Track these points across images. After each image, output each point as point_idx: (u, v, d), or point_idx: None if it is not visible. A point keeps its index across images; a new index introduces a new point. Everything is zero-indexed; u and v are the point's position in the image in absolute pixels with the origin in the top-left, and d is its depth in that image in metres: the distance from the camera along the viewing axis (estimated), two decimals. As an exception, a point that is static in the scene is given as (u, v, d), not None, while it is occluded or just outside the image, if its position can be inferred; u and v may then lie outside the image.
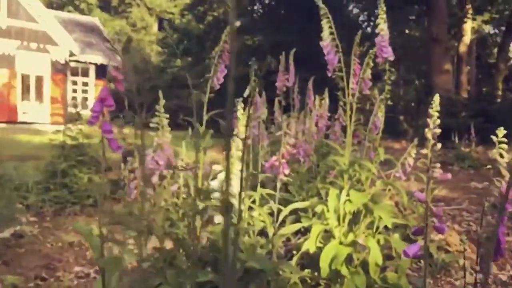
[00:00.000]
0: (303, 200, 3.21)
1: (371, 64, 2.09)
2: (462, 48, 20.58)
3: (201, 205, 1.87)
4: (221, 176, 1.61)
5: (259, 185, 2.24)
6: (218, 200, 1.63)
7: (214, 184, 1.62)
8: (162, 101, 1.88)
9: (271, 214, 2.24)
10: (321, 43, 2.02)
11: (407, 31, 22.14)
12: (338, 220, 1.96)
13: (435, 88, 15.16)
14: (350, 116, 1.99)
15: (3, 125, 17.75)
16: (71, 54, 20.07)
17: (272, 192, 2.25)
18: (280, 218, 2.15)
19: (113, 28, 34.86)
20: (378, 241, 1.99)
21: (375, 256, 1.86)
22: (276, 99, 4.98)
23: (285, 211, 2.18)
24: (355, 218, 2.04)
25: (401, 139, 13.85)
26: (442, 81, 16.56)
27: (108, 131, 1.29)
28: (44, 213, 4.28)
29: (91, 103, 21.43)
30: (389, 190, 2.20)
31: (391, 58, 2.01)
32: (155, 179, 1.81)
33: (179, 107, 21.25)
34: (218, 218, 1.63)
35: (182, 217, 1.92)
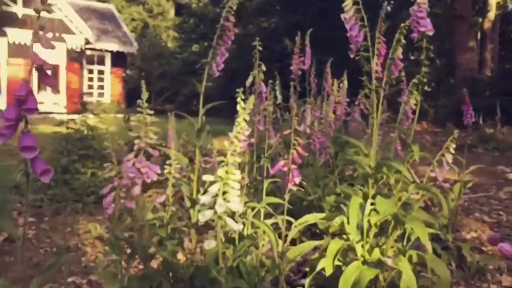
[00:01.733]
0: (319, 198, 2.86)
1: (403, 41, 1.71)
2: (487, 25, 19.74)
3: (195, 218, 1.53)
4: (214, 189, 1.26)
5: (264, 193, 1.88)
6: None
7: (205, 199, 1.27)
8: (144, 94, 1.52)
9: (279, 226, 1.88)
10: (343, 16, 1.63)
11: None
12: (362, 233, 1.60)
13: (458, 67, 14.48)
14: (377, 106, 1.61)
15: (20, 115, 17.68)
16: (87, 42, 19.90)
17: (280, 201, 1.89)
18: (289, 237, 1.79)
19: (129, 15, 34.62)
20: (410, 258, 1.63)
21: (407, 279, 1.50)
22: (292, 84, 4.61)
23: (292, 233, 1.81)
24: (381, 230, 1.67)
25: (421, 120, 13.30)
26: (466, 59, 15.85)
27: (30, 148, 0.94)
28: (43, 212, 4.00)
29: (107, 91, 21.29)
30: (422, 195, 1.83)
31: (430, 32, 1.62)
32: (137, 190, 1.47)
33: (194, 94, 20.98)
34: (209, 243, 1.28)
35: (171, 234, 1.58)
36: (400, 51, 1.70)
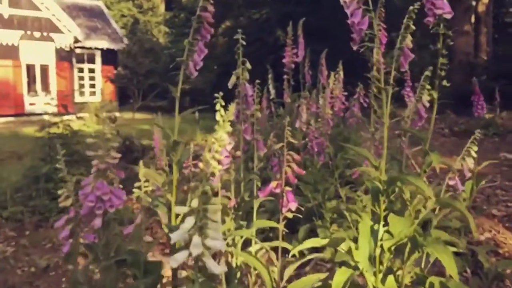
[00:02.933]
0: (319, 205, 2.59)
1: (412, 27, 1.43)
2: (481, 8, 19.46)
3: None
4: (187, 224, 0.99)
5: (254, 215, 1.61)
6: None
7: (177, 236, 1.00)
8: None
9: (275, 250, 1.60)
10: (342, -1, 1.36)
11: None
12: (373, 260, 1.33)
13: (454, 52, 14.16)
14: (386, 103, 1.34)
15: (11, 118, 17.35)
16: (76, 41, 19.51)
17: (273, 224, 1.61)
18: (286, 275, 1.50)
19: (119, 11, 34.20)
20: (431, 286, 1.36)
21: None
22: (285, 78, 4.34)
23: (290, 270, 1.53)
24: (396, 252, 1.41)
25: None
26: (462, 43, 15.54)
27: None
28: (25, 225, 3.73)
29: (98, 89, 20.91)
30: (440, 209, 1.56)
31: (449, 14, 1.35)
32: (98, 222, 1.20)
33: (190, 89, 20.63)
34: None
35: (146, 270, 1.31)
36: (409, 39, 1.43)
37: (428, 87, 1.62)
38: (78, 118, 5.34)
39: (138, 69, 17.60)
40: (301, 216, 2.85)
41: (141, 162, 1.41)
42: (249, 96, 1.36)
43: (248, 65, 1.39)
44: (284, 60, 4.02)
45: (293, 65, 4.11)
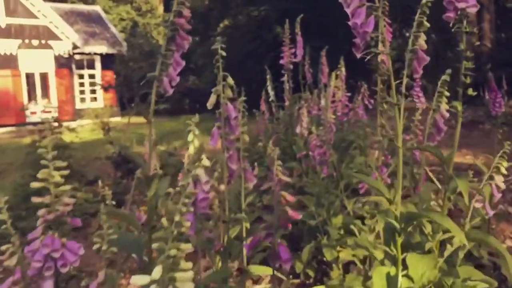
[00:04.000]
0: (323, 222, 2.35)
1: (426, 24, 1.18)
2: (483, -6, 19.10)
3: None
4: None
5: (245, 260, 1.35)
6: None
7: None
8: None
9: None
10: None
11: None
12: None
13: (457, 41, 13.82)
14: (399, 120, 1.09)
15: (11, 128, 17.19)
16: (75, 47, 19.34)
17: (268, 271, 1.35)
18: None
19: (118, 15, 34.07)
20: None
21: None
22: (285, 79, 4.09)
23: None
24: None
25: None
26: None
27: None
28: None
29: (99, 95, 20.72)
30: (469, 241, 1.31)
31: (473, 8, 1.10)
32: (47, 286, 0.97)
33: (189, 91, 20.39)
34: None
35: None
36: (423, 38, 1.18)
37: (447, 93, 1.38)
38: (70, 130, 5.11)
39: (132, 75, 17.40)
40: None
41: (102, 206, 1.17)
42: (233, 119, 1.12)
43: (230, 81, 1.15)
44: (281, 61, 3.78)
45: (291, 66, 3.86)
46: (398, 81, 1.15)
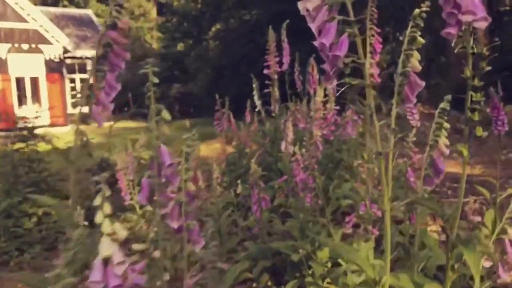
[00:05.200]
0: (308, 256, 2.09)
1: (421, 40, 0.92)
2: (478, -2, 18.90)
3: None
4: None
5: None
6: None
7: None
8: None
9: None
10: (302, 7, 0.86)
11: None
12: None
13: (451, 46, 13.52)
14: (385, 169, 0.83)
15: (1, 133, 16.88)
16: (66, 51, 19.06)
17: None
18: None
19: (111, 18, 33.73)
20: None
21: None
22: (271, 90, 3.84)
23: None
24: None
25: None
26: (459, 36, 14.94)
27: None
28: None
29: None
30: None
31: (483, 23, 0.83)
32: None
33: (182, 95, 20.12)
34: None
35: None
36: (417, 57, 0.93)
37: (446, 124, 1.13)
38: (46, 141, 4.83)
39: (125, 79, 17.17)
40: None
41: None
42: (166, 166, 0.86)
43: (166, 115, 0.90)
44: (265, 71, 3.52)
45: (276, 76, 3.61)
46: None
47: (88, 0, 33.88)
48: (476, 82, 0.95)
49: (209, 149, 8.50)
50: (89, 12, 23.78)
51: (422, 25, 0.90)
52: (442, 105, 1.13)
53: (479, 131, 0.96)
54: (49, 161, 4.36)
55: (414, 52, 0.93)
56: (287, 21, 3.71)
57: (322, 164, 2.50)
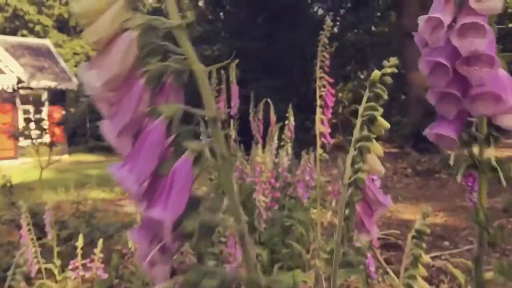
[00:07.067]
0: None
1: (384, 123, 0.58)
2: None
3: None
4: None
5: None
6: None
7: None
8: None
9: None
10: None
11: (374, 28, 20.58)
12: None
13: (411, 86, 13.55)
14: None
15: None
16: (19, 81, 18.30)
17: None
18: None
19: (72, 49, 33.32)
20: None
21: None
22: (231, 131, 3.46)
23: None
24: None
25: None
26: (419, 77, 15.04)
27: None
28: None
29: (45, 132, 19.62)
30: None
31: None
32: None
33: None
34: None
35: None
36: (380, 151, 0.57)
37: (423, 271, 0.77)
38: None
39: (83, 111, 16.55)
40: None
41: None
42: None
43: None
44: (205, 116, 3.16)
45: (223, 117, 3.25)
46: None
47: (48, 30, 33.20)
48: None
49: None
50: (47, 42, 23.13)
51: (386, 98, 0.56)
52: (415, 230, 0.77)
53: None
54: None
55: (373, 143, 0.57)
56: (228, 60, 3.38)
57: (267, 237, 2.10)
